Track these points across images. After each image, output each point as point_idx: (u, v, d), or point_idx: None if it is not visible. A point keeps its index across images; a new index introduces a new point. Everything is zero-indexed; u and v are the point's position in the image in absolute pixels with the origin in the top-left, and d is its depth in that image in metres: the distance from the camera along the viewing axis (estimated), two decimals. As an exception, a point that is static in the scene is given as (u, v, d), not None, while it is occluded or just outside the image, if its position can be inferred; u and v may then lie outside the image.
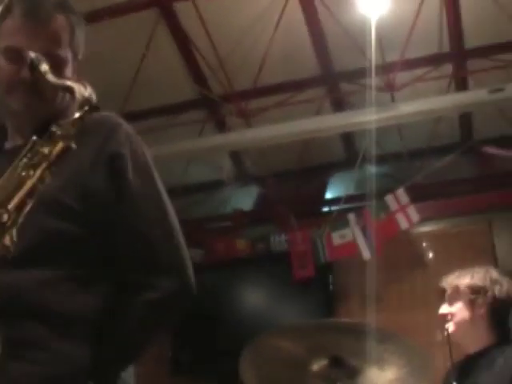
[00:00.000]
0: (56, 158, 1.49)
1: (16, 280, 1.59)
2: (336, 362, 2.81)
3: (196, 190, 7.46)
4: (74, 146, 1.50)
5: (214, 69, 6.19)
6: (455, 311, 3.11)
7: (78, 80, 1.61)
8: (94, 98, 1.54)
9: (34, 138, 1.51)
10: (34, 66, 1.61)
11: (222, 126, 6.90)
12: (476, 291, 3.08)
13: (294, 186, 7.08)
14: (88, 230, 1.69)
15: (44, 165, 1.48)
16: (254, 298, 6.75)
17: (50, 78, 1.59)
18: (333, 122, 6.26)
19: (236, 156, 7.37)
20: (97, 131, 1.74)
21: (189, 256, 1.77)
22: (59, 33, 1.75)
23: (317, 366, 2.85)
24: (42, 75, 1.59)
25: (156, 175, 1.82)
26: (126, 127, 1.82)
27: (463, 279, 3.13)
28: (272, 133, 6.17)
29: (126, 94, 5.90)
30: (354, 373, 2.82)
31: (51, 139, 1.50)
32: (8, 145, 1.87)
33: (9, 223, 1.42)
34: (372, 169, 6.98)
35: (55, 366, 1.58)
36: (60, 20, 1.76)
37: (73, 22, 1.80)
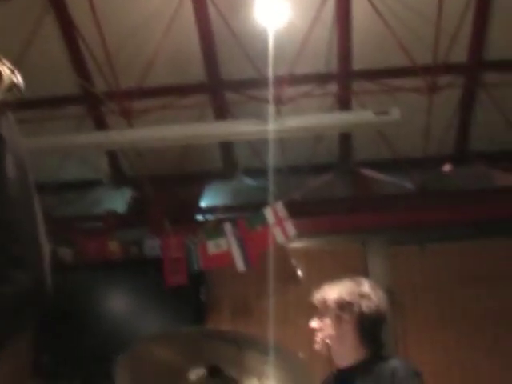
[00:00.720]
0: None
1: None
2: (214, 372, 2.74)
3: (69, 188, 7.21)
4: None
5: (99, 64, 6.01)
6: (323, 326, 3.07)
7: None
8: (22, 84, 1.43)
9: None
10: None
11: (101, 124, 6.72)
12: (343, 307, 3.03)
13: (170, 191, 6.96)
14: None
15: None
16: (124, 301, 6.53)
17: None
18: (214, 130, 6.23)
19: (113, 156, 7.19)
20: None
21: (49, 256, 1.67)
22: None
23: (194, 375, 2.76)
24: None
25: (29, 168, 1.71)
26: (8, 114, 1.70)
27: (331, 294, 3.08)
28: (152, 135, 6.08)
29: (5, 81, 5.64)
30: (232, 384, 2.75)
31: None
32: None
33: None
34: (250, 181, 6.99)
35: None
36: None
37: None
